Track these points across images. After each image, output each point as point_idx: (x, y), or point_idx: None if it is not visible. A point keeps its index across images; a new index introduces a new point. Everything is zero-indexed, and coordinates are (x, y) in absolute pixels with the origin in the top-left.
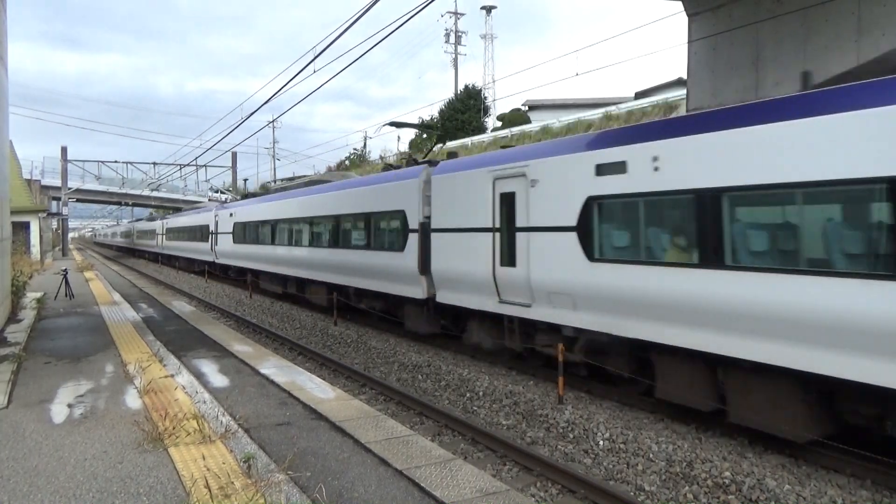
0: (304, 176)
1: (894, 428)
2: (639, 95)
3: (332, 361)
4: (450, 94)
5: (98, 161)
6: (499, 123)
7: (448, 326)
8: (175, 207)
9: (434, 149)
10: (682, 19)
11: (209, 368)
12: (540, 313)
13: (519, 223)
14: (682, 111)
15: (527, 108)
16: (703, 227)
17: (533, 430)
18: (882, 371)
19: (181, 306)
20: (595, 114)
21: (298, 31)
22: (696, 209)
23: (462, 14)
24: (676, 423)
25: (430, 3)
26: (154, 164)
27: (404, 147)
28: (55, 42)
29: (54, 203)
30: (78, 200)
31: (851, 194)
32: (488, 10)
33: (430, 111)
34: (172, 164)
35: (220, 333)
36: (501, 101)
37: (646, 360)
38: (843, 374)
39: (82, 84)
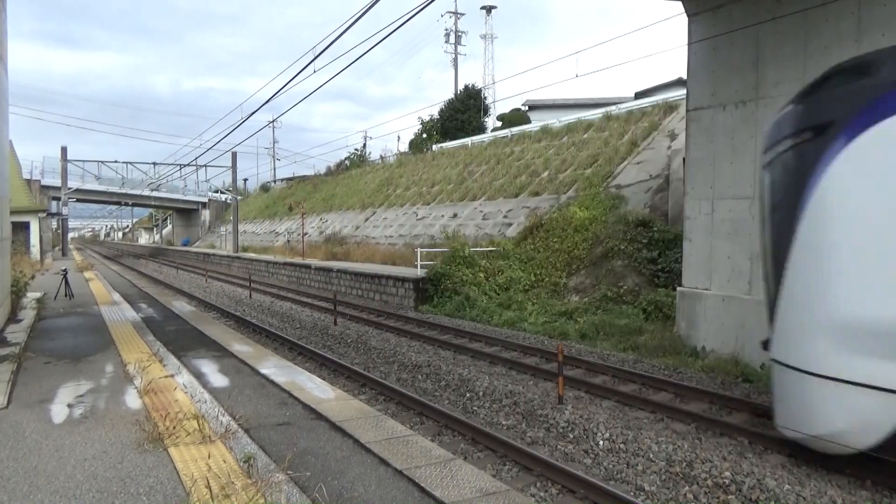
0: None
1: None
2: (639, 95)
3: (332, 361)
4: (449, 94)
5: (98, 161)
6: (499, 123)
7: None
8: (174, 207)
9: (433, 147)
10: (683, 20)
11: (209, 368)
12: None
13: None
14: (682, 111)
15: (527, 108)
16: None
17: (533, 430)
18: None
19: (181, 306)
20: (595, 114)
21: (296, 29)
22: None
23: (462, 14)
24: (676, 422)
25: (430, 2)
26: (154, 164)
27: (404, 147)
28: (50, 40)
29: (54, 203)
30: (78, 200)
31: None
32: (488, 10)
33: (430, 111)
34: (172, 164)
35: (220, 333)
36: (501, 102)
37: None
38: None
39: (78, 83)
